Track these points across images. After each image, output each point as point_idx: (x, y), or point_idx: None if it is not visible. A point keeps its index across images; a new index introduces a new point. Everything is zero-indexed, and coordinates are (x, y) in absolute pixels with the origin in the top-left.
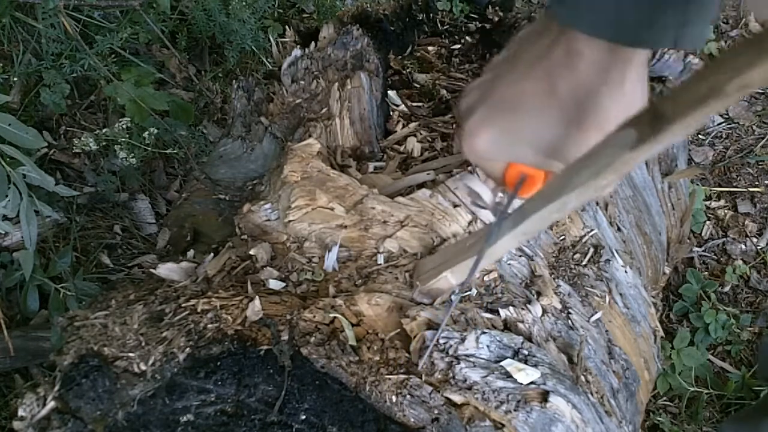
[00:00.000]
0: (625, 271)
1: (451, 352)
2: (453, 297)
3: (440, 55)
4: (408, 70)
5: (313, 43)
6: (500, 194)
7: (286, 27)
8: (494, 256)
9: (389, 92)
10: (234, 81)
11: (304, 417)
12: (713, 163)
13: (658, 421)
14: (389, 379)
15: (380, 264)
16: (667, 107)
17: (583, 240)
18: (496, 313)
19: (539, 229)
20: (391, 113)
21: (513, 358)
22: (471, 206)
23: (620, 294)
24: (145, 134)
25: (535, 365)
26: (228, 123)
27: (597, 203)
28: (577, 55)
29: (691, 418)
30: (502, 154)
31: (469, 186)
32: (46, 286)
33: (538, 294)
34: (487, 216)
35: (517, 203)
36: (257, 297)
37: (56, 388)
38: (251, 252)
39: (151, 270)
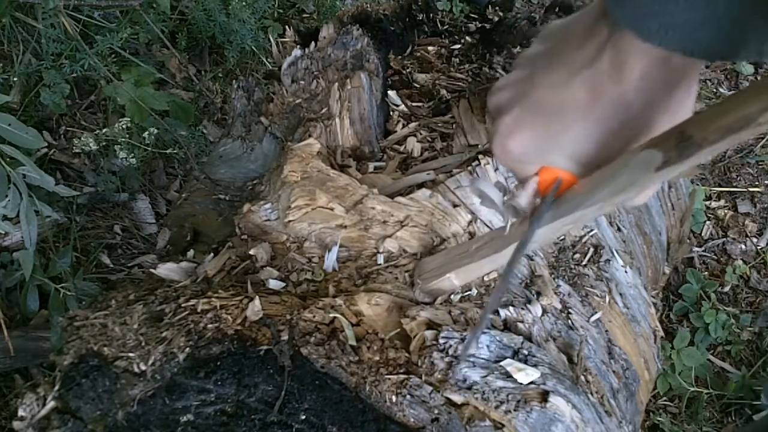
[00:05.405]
0: (625, 271)
1: (451, 351)
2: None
3: (440, 55)
4: (408, 70)
5: (313, 43)
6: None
7: (286, 27)
8: (502, 261)
9: (389, 92)
10: (234, 81)
11: (304, 417)
12: (713, 163)
13: (658, 421)
14: (389, 379)
15: (380, 264)
16: (696, 132)
17: (583, 240)
18: (496, 313)
19: (552, 239)
20: (391, 113)
21: (513, 358)
22: (482, 208)
23: (620, 294)
24: (145, 134)
25: (535, 365)
26: (228, 123)
27: None
28: (625, 67)
29: (691, 418)
30: (537, 159)
31: (480, 189)
32: (46, 286)
33: (538, 294)
34: (487, 216)
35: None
36: (257, 297)
37: (56, 388)
38: (251, 252)
39: (151, 270)
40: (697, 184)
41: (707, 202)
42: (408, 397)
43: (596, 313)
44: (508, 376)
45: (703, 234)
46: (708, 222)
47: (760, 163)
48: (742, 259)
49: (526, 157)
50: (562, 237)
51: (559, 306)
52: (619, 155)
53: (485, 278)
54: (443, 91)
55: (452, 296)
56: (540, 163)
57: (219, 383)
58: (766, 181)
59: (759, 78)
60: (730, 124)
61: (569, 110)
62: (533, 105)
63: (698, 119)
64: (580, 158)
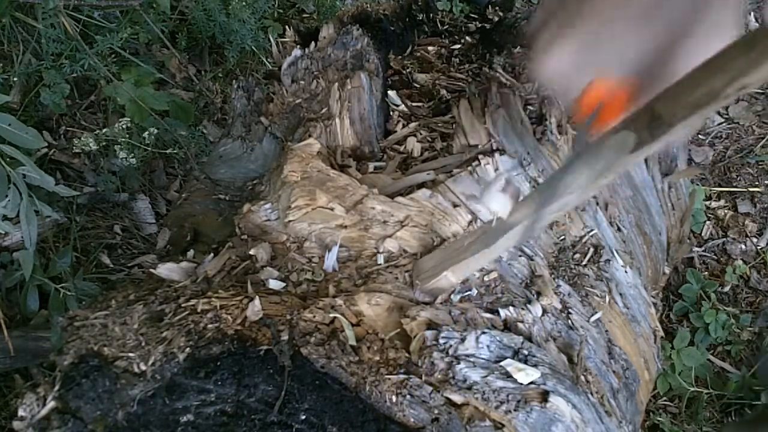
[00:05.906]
0: (625, 271)
1: (451, 352)
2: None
3: (440, 55)
4: (408, 70)
5: (313, 43)
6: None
7: (286, 27)
8: (494, 254)
9: (389, 92)
10: (234, 81)
11: (304, 417)
12: (713, 163)
13: (658, 421)
14: (389, 379)
15: (380, 264)
16: (665, 110)
17: (583, 240)
18: (496, 313)
19: (539, 230)
20: (391, 113)
21: (513, 358)
22: (481, 208)
23: (620, 294)
24: (145, 134)
25: (535, 365)
26: (228, 123)
27: (597, 203)
28: None
29: (691, 418)
30: (582, 70)
31: (464, 192)
32: (46, 286)
33: (538, 294)
34: (487, 215)
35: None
36: (257, 297)
37: (56, 388)
38: (251, 252)
39: (151, 270)
40: (697, 184)
41: (707, 202)
42: (408, 397)
43: (596, 313)
44: (508, 376)
45: (703, 234)
46: (708, 222)
47: (760, 163)
48: (742, 259)
49: (567, 70)
50: (561, 237)
51: (559, 306)
52: (688, 54)
53: (485, 278)
54: (443, 91)
55: (452, 296)
56: (587, 73)
57: (219, 383)
58: (766, 181)
59: None
60: (697, 100)
61: (607, 10)
62: (569, 15)
63: (666, 97)
64: (634, 60)
